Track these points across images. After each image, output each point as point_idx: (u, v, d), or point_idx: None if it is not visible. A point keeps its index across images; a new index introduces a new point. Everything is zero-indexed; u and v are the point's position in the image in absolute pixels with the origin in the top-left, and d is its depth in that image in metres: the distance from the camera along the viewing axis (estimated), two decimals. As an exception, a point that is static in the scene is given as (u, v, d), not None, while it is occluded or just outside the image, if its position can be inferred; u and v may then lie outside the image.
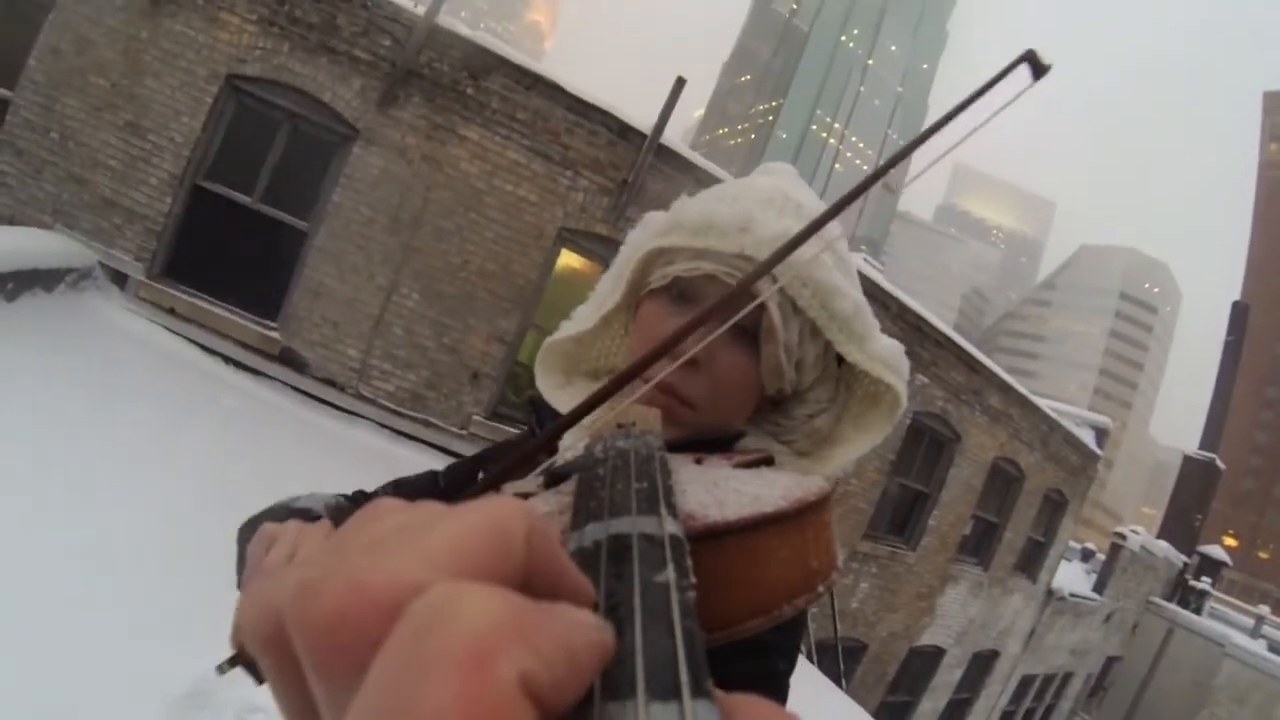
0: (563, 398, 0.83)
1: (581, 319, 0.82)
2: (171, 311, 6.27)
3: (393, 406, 6.67)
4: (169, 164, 6.24)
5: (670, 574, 0.22)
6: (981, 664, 13.67)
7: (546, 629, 0.16)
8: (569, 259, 7.36)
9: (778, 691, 0.61)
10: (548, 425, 0.56)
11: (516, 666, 0.15)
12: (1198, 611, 21.06)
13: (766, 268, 0.59)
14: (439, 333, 6.76)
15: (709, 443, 0.69)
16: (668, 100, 7.08)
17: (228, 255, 6.53)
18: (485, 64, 6.53)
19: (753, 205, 0.72)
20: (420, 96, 6.47)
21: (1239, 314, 32.25)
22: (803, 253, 0.66)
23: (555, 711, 0.16)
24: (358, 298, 6.54)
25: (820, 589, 0.37)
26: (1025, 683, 15.62)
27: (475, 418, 6.91)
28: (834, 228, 0.74)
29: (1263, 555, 71.87)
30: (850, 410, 0.78)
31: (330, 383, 6.54)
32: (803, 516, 0.37)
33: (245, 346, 6.39)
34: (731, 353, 0.70)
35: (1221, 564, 24.22)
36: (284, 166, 6.47)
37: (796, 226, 0.69)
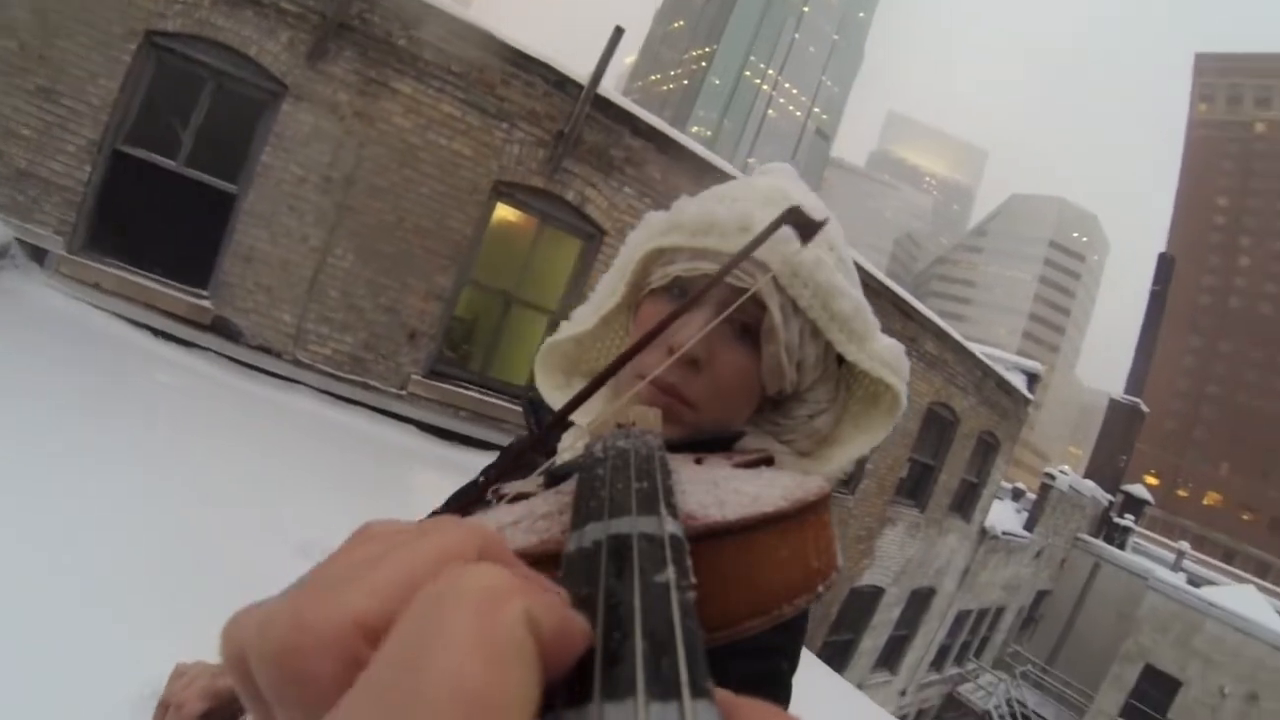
0: (562, 399, 0.83)
1: (580, 319, 0.82)
2: (96, 286, 5.98)
3: (331, 370, 6.56)
4: (87, 129, 5.87)
5: (670, 574, 0.22)
6: (919, 601, 14.20)
7: (544, 594, 0.18)
8: (504, 213, 7.29)
9: (779, 691, 0.61)
10: (547, 427, 0.58)
11: (521, 604, 0.17)
12: (1122, 547, 22.24)
13: (734, 262, 0.61)
14: (375, 293, 6.64)
15: (709, 443, 0.70)
16: (605, 50, 6.97)
17: (153, 223, 6.20)
18: (418, 14, 6.32)
19: (752, 205, 0.73)
20: (351, 50, 6.24)
21: (1165, 265, 33.29)
22: (805, 254, 0.69)
23: (547, 663, 0.17)
24: (291, 261, 6.36)
25: (821, 589, 0.38)
26: (961, 618, 16.32)
27: (414, 377, 6.86)
28: (834, 227, 0.77)
29: (1182, 494, 75.46)
30: (850, 410, 0.78)
31: (266, 350, 6.37)
32: (803, 516, 0.38)
33: (176, 318, 6.15)
34: (732, 353, 0.71)
35: (1144, 502, 25.48)
36: (209, 127, 6.16)
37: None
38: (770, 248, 0.67)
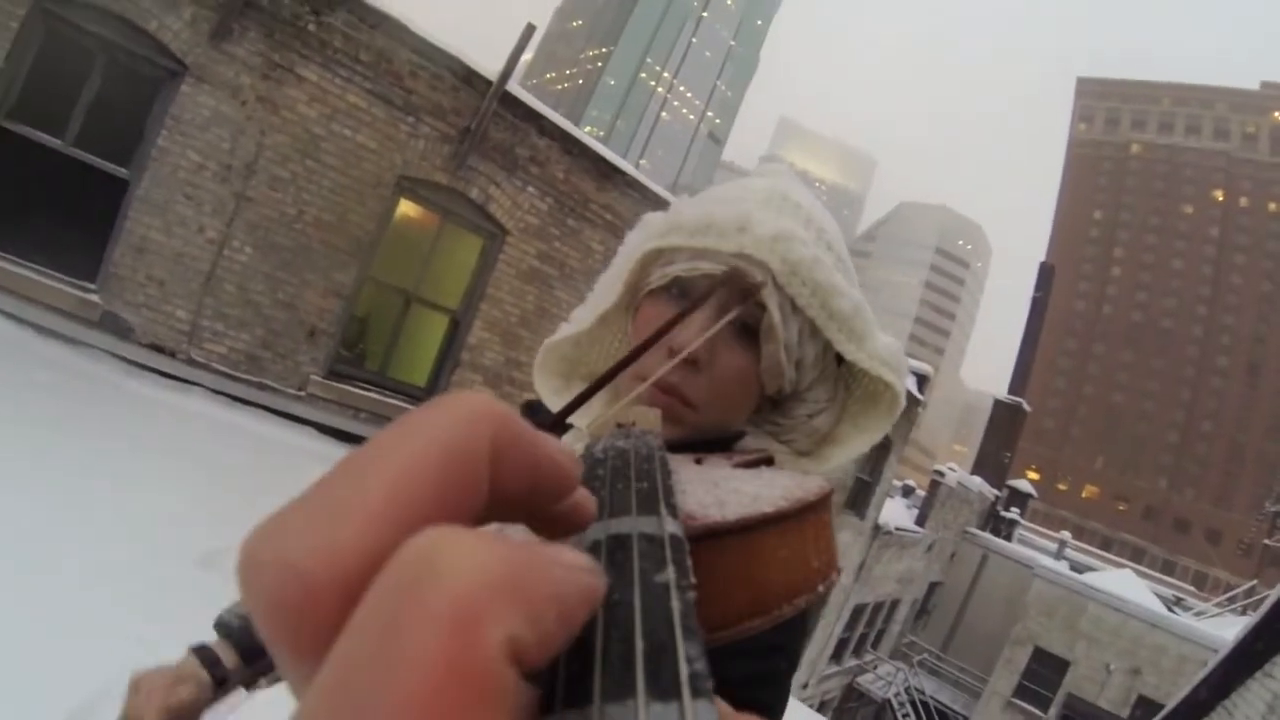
0: (561, 402, 0.82)
1: (578, 320, 0.81)
2: None
3: (226, 370, 6.27)
4: None
5: (670, 574, 0.22)
6: (818, 598, 14.58)
7: (538, 580, 0.16)
8: (407, 208, 7.16)
9: (777, 691, 0.61)
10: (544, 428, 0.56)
11: (504, 630, 0.14)
12: (1008, 539, 23.61)
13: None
14: (274, 288, 6.39)
15: (709, 442, 0.70)
16: (515, 47, 6.91)
17: (36, 208, 5.72)
18: None
19: (751, 205, 0.73)
20: (257, 31, 5.93)
21: (1045, 274, 35.27)
22: (803, 253, 0.69)
23: (537, 667, 0.15)
24: (186, 253, 6.02)
25: (820, 588, 0.38)
26: (858, 611, 16.90)
27: (313, 377, 6.64)
28: (833, 225, 0.78)
29: (1062, 487, 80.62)
30: (850, 409, 0.78)
31: (158, 348, 6.01)
32: (803, 516, 0.38)
33: (60, 313, 5.69)
34: (732, 352, 0.70)
35: (1028, 496, 27.08)
36: (101, 106, 5.70)
37: (794, 225, 0.71)
38: (769, 247, 0.68)
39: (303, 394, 6.60)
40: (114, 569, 3.19)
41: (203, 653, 0.89)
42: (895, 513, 17.35)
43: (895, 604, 19.27)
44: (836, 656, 17.02)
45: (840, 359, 0.77)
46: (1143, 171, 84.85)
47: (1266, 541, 39.89)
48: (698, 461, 0.52)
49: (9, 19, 5.35)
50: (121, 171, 5.82)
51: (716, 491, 0.39)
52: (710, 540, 0.34)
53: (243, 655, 0.91)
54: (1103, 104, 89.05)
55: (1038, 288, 34.85)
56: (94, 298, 5.82)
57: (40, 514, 3.39)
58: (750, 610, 0.35)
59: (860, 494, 14.34)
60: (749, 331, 0.71)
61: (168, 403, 5.71)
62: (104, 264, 5.87)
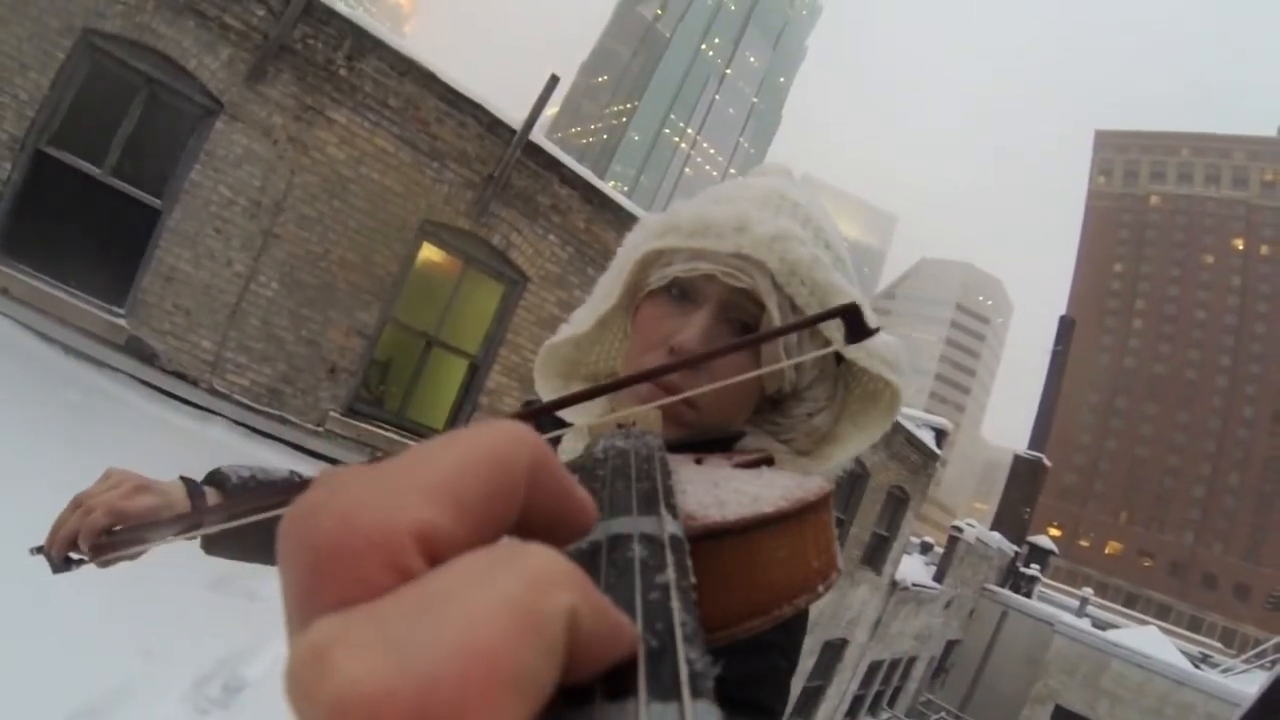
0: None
1: (578, 322, 0.82)
2: (4, 292, 5.62)
3: (247, 402, 6.31)
4: (10, 124, 5.56)
5: (670, 574, 0.22)
6: (832, 652, 14.27)
7: (599, 598, 0.17)
8: (429, 252, 7.23)
9: (776, 690, 0.60)
10: (546, 430, 0.55)
11: (570, 599, 0.16)
12: (1028, 595, 22.99)
13: (794, 327, 0.60)
14: (297, 324, 6.47)
15: (709, 443, 0.70)
16: (540, 97, 7.07)
17: (72, 232, 5.91)
18: (361, 45, 6.29)
19: (749, 205, 0.73)
20: (291, 73, 6.14)
21: (1065, 327, 34.89)
22: (801, 252, 0.69)
23: (581, 663, 0.17)
24: (213, 284, 6.14)
25: (820, 589, 0.38)
26: (874, 668, 16.45)
27: (332, 414, 6.67)
28: (832, 223, 0.78)
29: (1084, 543, 78.92)
30: (849, 408, 0.78)
31: (181, 376, 6.10)
32: (803, 516, 0.38)
33: (88, 334, 5.82)
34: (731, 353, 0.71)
35: (1049, 552, 26.45)
36: (139, 137, 5.90)
37: (792, 224, 0.71)
38: (767, 247, 0.68)
39: (321, 430, 6.63)
40: (125, 586, 3.21)
41: (190, 483, 0.87)
42: (913, 569, 16.99)
43: (912, 661, 18.78)
44: (852, 714, 16.56)
45: (840, 358, 0.76)
46: (1162, 223, 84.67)
47: (1295, 594, 38.92)
48: (698, 461, 0.52)
49: (56, 49, 5.59)
50: (155, 202, 5.98)
51: (717, 491, 0.39)
52: (710, 540, 0.34)
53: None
54: (1121, 156, 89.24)
55: (1058, 341, 34.48)
56: (122, 322, 5.94)
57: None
58: (750, 610, 0.35)
59: (877, 549, 14.08)
60: (748, 331, 0.71)
61: (188, 429, 5.76)
62: (133, 290, 6.00)
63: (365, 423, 6.87)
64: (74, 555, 0.78)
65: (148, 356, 6.02)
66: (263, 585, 4.29)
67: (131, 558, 0.78)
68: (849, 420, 0.77)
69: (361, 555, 0.17)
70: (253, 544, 0.93)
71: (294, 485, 0.91)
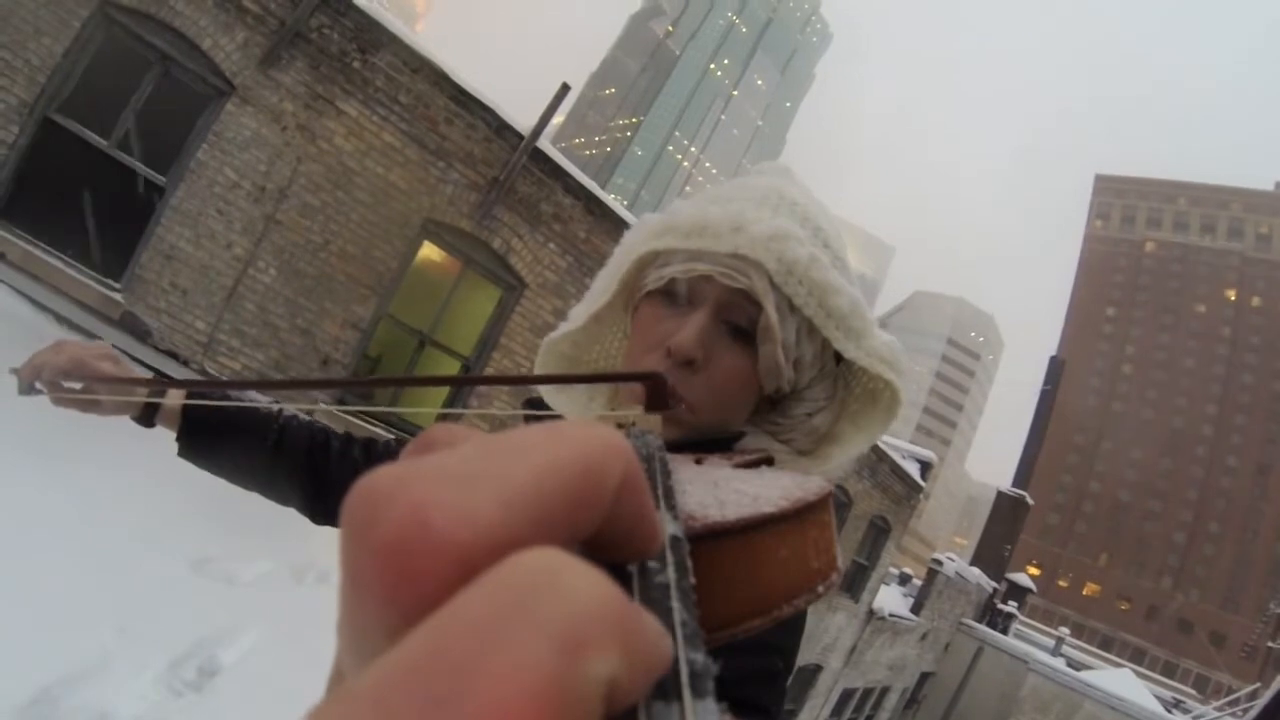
0: (561, 399, 0.83)
1: (574, 319, 0.81)
2: (1, 257, 5.58)
3: (238, 386, 6.27)
4: (20, 89, 5.50)
5: (670, 574, 0.22)
6: (805, 678, 14.25)
7: (639, 631, 0.16)
8: (430, 251, 7.24)
9: (774, 690, 0.60)
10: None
11: (608, 667, 0.14)
12: (1005, 632, 23.00)
13: None
14: (293, 313, 6.45)
15: (709, 443, 0.70)
16: (549, 105, 7.11)
17: (73, 202, 5.87)
18: (376, 39, 6.30)
19: (746, 205, 0.72)
20: (304, 61, 6.13)
21: (1055, 367, 35.13)
22: (800, 252, 0.69)
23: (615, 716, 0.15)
24: (212, 266, 6.11)
25: (820, 589, 0.37)
26: (846, 695, 16.42)
27: (322, 404, 6.63)
28: (832, 222, 0.78)
29: (1062, 584, 79.21)
30: (849, 408, 0.78)
31: (173, 355, 6.04)
32: (803, 516, 0.37)
33: (82, 306, 5.76)
34: (730, 353, 0.70)
35: (1027, 590, 26.51)
36: (148, 113, 5.88)
37: (790, 224, 0.71)
38: (765, 247, 0.68)
39: (309, 419, 6.58)
40: (107, 563, 3.18)
41: (160, 375, 0.96)
42: (891, 599, 17.02)
43: (885, 691, 18.74)
44: (822, 740, 16.56)
45: (839, 357, 0.76)
46: (1157, 269, 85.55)
47: (1270, 644, 39.03)
48: (698, 461, 0.52)
49: (72, 17, 5.56)
50: (159, 179, 5.96)
51: (717, 492, 0.38)
52: (710, 540, 0.34)
53: (185, 414, 1.01)
54: (1119, 201, 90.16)
55: (1047, 381, 34.69)
56: (117, 296, 5.90)
57: (41, 502, 3.39)
58: (750, 610, 0.34)
59: (856, 577, 14.13)
60: (746, 332, 0.71)
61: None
62: (131, 265, 5.97)
63: (355, 416, 6.84)
64: (38, 385, 0.93)
65: (141, 333, 5.97)
66: (243, 569, 4.26)
67: (80, 407, 0.95)
68: (849, 420, 0.77)
69: (423, 558, 0.15)
70: (229, 462, 1.05)
71: (270, 415, 1.10)
